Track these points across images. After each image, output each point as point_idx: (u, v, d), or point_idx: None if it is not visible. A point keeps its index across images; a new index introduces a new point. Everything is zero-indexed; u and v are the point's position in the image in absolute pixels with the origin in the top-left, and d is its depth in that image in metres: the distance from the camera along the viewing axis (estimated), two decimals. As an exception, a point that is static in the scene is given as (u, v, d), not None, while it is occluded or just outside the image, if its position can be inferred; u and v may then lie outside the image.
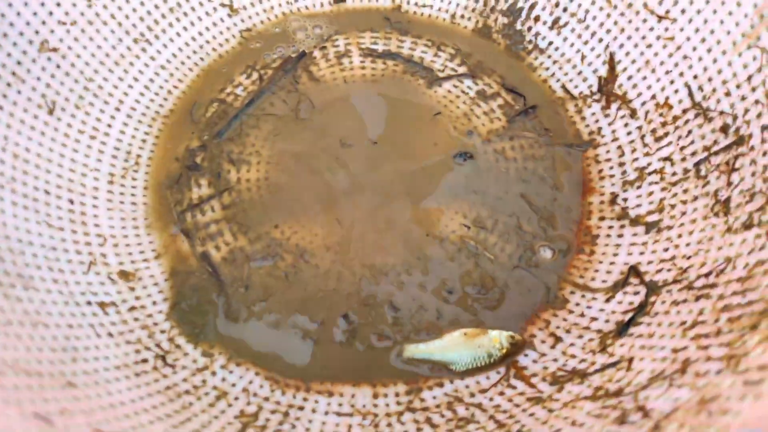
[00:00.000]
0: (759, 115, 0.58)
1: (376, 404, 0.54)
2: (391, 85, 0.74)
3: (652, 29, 0.68)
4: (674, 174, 0.63)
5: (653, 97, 0.67)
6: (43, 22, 0.62)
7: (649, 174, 0.65)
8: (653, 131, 0.67)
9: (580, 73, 0.73)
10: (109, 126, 0.66)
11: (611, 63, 0.72)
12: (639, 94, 0.68)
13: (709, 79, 0.62)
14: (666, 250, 0.59)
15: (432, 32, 0.78)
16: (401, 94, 0.73)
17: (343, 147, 0.69)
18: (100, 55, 0.67)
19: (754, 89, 0.58)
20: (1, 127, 0.57)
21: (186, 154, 0.68)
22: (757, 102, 0.58)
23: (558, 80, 0.74)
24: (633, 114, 0.69)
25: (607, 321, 0.57)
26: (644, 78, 0.68)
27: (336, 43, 0.77)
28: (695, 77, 0.64)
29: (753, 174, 0.56)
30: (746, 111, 0.59)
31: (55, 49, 0.63)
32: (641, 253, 0.60)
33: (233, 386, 0.54)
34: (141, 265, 0.61)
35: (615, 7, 0.71)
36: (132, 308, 0.57)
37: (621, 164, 0.68)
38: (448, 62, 0.76)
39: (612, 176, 0.67)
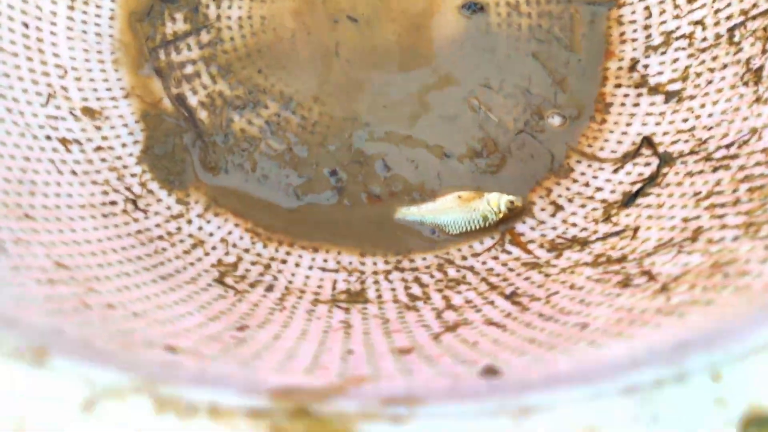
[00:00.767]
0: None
1: (363, 262, 0.51)
2: None
3: None
4: (704, 39, 0.57)
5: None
6: None
7: (677, 39, 0.59)
8: (687, -10, 0.59)
9: None
10: (67, -60, 0.57)
11: None
12: (675, -53, 0.60)
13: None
14: (685, 120, 0.54)
15: None
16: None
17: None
18: None
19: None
20: None
21: (158, -18, 0.59)
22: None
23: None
24: (667, -31, 0.61)
25: (613, 191, 0.53)
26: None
27: None
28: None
29: (795, 39, 0.50)
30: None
31: None
32: (657, 124, 0.56)
33: (210, 236, 0.50)
34: (108, 103, 0.54)
35: None
36: (98, 148, 0.52)
37: (646, 27, 0.61)
38: None
39: (635, 40, 0.61)
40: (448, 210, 0.53)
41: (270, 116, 0.56)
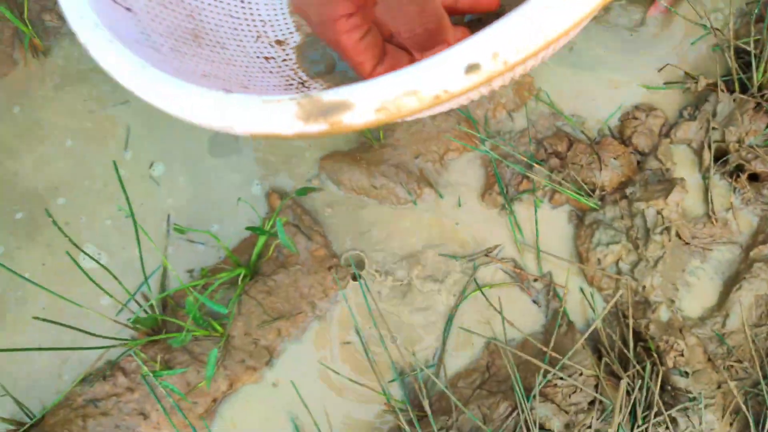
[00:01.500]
0: None
1: None
2: None
3: None
4: None
5: None
6: None
7: None
8: None
9: None
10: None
11: None
12: None
13: None
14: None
15: None
16: None
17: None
18: None
19: None
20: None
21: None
22: None
23: None
24: None
25: None
26: None
27: None
28: None
29: None
30: None
31: None
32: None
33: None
34: (288, 36, 0.92)
35: None
36: (284, 60, 0.89)
37: None
38: None
39: None
40: None
41: None
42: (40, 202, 1.08)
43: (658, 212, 0.99)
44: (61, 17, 1.17)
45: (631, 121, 1.10)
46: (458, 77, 0.42)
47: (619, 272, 1.00)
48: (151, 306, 0.96)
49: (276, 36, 0.91)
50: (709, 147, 1.07)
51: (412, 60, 0.73)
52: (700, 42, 1.15)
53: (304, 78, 0.86)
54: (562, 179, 1.05)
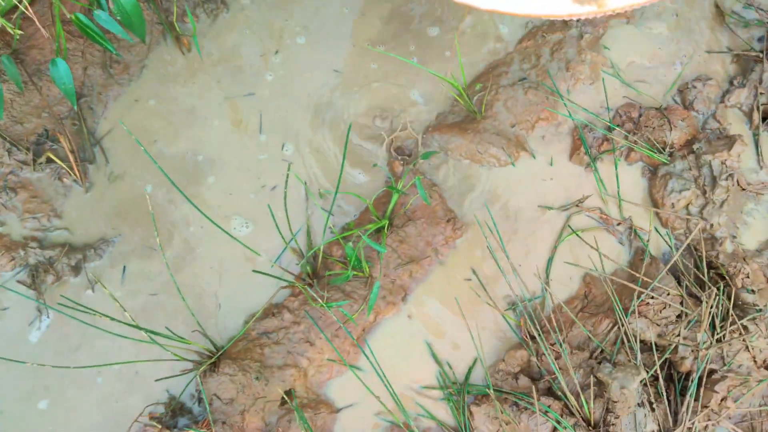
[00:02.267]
0: None
1: None
2: None
3: None
4: None
5: None
6: None
7: None
8: None
9: None
10: None
11: None
12: None
13: None
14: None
15: None
16: None
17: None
18: None
19: None
20: None
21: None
22: None
23: None
24: None
25: None
26: None
27: None
28: None
29: None
30: None
31: None
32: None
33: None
34: None
35: None
36: None
37: None
38: None
39: None
40: None
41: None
42: (196, 178, 1.28)
43: (722, 162, 1.20)
44: (197, 17, 1.36)
45: (690, 90, 1.30)
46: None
47: (689, 214, 1.21)
48: (308, 258, 1.16)
49: None
50: (758, 109, 1.28)
51: None
52: (743, 19, 1.35)
53: None
54: (637, 140, 1.25)
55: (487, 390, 1.09)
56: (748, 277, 1.13)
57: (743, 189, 1.24)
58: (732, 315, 1.10)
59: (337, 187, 1.12)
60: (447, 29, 1.37)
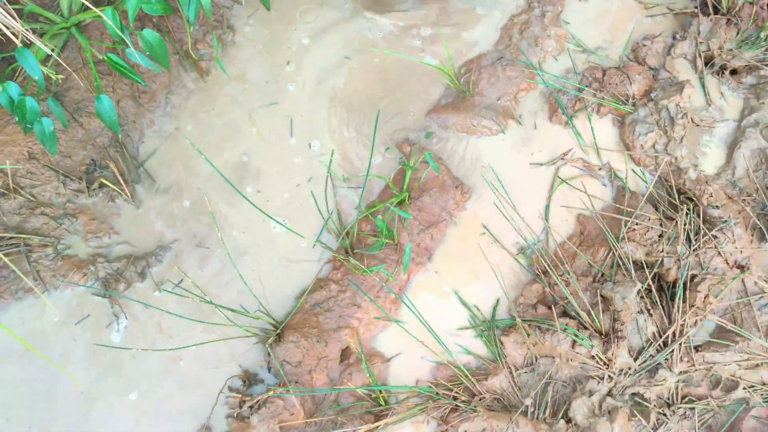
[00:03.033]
0: None
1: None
2: None
3: None
4: None
5: None
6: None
7: None
8: None
9: None
10: None
11: None
12: None
13: None
14: None
15: None
16: None
17: None
18: None
19: None
20: None
21: None
22: None
23: None
24: None
25: None
26: None
27: None
28: None
29: None
30: None
31: None
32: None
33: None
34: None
35: None
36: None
37: None
38: None
39: None
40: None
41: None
42: (239, 184, 1.45)
43: (677, 105, 1.42)
44: (211, 45, 1.53)
45: (641, 48, 1.52)
46: None
47: (656, 152, 1.43)
48: (344, 233, 1.35)
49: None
50: (700, 56, 1.51)
51: None
52: (677, -17, 1.59)
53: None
54: (604, 96, 1.46)
55: (514, 320, 1.29)
56: (711, 196, 1.35)
57: (697, 125, 1.46)
58: (703, 228, 1.32)
59: (368, 168, 1.31)
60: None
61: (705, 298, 1.27)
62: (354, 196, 1.43)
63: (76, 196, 1.38)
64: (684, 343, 1.26)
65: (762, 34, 1.47)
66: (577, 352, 1.23)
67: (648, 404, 1.20)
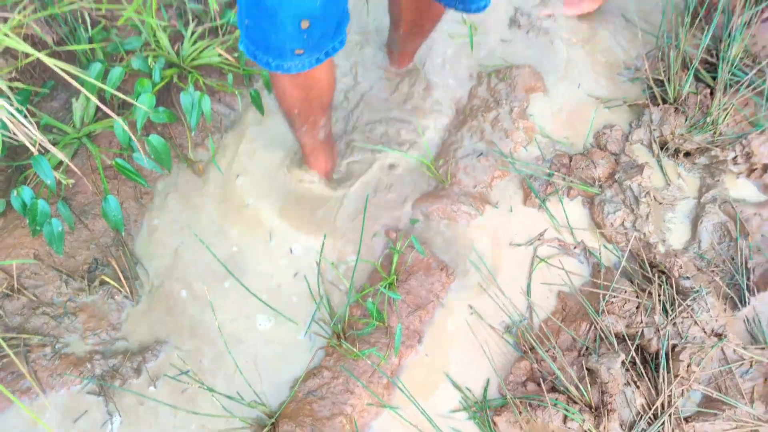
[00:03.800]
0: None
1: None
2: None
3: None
4: None
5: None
6: None
7: None
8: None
9: None
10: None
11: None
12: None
13: None
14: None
15: None
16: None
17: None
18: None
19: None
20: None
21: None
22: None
23: None
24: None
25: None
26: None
27: None
28: None
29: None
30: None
31: None
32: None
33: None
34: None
35: None
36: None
37: None
38: None
39: None
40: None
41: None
42: (221, 281, 1.51)
43: (639, 185, 1.54)
44: (207, 150, 1.66)
45: (602, 135, 1.67)
46: None
47: (625, 229, 1.53)
48: (336, 319, 1.40)
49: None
50: (655, 141, 1.65)
51: None
52: (629, 76, 1.77)
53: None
54: (572, 180, 1.59)
55: (505, 398, 1.32)
56: (681, 267, 1.44)
57: (660, 203, 1.57)
58: (677, 298, 1.39)
59: (357, 257, 1.38)
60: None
61: (688, 366, 1.31)
62: (345, 280, 1.49)
63: (77, 295, 1.43)
64: (673, 414, 1.28)
65: (708, 119, 1.62)
66: (569, 427, 1.25)
67: (644, 477, 1.21)
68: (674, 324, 1.35)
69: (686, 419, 1.29)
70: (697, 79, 1.72)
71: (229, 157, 1.65)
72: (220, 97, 1.69)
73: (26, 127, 1.14)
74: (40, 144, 1.21)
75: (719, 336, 1.36)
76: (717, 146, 1.62)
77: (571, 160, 1.63)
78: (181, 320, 1.44)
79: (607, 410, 1.26)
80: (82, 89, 1.13)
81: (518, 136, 1.67)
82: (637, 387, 1.31)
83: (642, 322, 1.37)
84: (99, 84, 1.16)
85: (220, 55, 1.62)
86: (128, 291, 1.44)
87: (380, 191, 1.62)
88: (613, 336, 1.36)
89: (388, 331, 1.41)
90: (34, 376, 1.34)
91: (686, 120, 1.65)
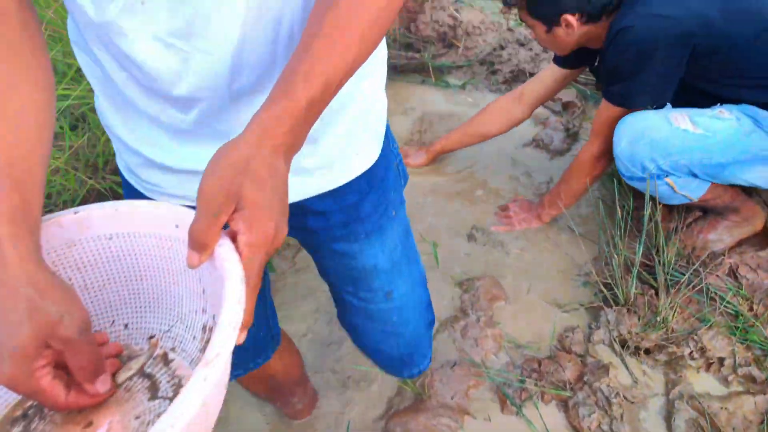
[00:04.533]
0: None
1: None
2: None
3: None
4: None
5: None
6: None
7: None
8: None
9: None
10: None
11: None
12: None
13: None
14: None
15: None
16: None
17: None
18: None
19: None
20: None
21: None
22: None
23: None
24: None
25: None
26: None
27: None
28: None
29: None
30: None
31: None
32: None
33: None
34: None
35: None
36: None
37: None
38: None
39: None
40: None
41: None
42: None
43: (608, 385, 1.61)
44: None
45: (565, 339, 1.78)
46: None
47: (602, 431, 1.55)
48: None
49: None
50: (615, 341, 1.77)
51: None
52: (582, 281, 1.95)
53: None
54: (544, 385, 1.65)
55: None
56: (664, 470, 1.44)
57: (632, 402, 1.63)
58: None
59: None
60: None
61: None
62: None
63: None
64: None
65: (658, 318, 1.77)
66: None
67: None
68: None
69: None
70: (642, 281, 1.90)
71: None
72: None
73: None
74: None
75: None
76: (672, 343, 1.73)
77: (540, 365, 1.71)
78: None
79: None
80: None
81: (488, 343, 1.77)
82: None
83: None
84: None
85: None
86: None
87: (356, 409, 1.64)
88: None
89: None
90: None
91: (639, 319, 1.79)
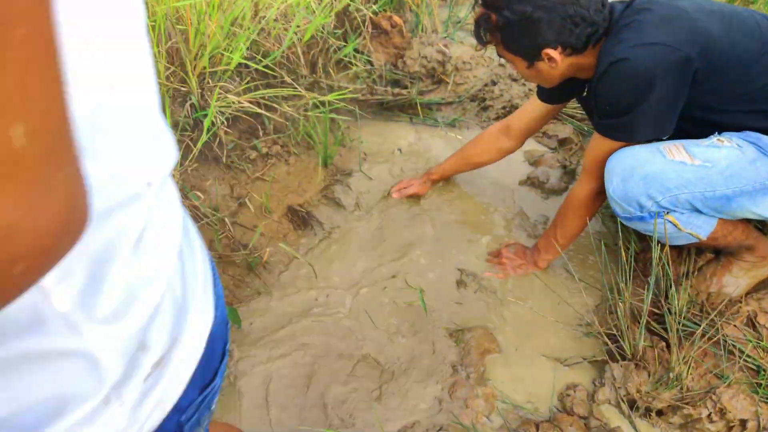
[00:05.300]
0: None
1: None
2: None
3: None
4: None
5: None
6: None
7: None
8: None
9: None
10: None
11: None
12: None
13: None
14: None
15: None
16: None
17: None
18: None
19: None
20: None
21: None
22: None
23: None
24: None
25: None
26: None
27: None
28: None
29: None
30: None
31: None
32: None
33: None
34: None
35: None
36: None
37: None
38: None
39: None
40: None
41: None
42: None
43: (616, 455, 1.40)
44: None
45: (566, 397, 1.58)
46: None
47: None
48: None
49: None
50: (622, 400, 1.56)
51: None
52: (584, 331, 1.75)
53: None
54: (543, 453, 1.44)
55: None
56: None
57: (645, 473, 1.41)
58: None
59: None
60: (360, 396, 1.62)
61: None
62: None
63: None
64: None
65: (671, 375, 1.57)
66: None
67: None
68: None
69: None
70: (651, 332, 1.71)
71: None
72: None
73: None
74: None
75: None
76: (687, 403, 1.53)
77: (538, 429, 1.50)
78: None
79: None
80: None
81: (479, 404, 1.57)
82: None
83: None
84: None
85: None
86: None
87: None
88: None
89: None
90: None
91: (649, 376, 1.59)
